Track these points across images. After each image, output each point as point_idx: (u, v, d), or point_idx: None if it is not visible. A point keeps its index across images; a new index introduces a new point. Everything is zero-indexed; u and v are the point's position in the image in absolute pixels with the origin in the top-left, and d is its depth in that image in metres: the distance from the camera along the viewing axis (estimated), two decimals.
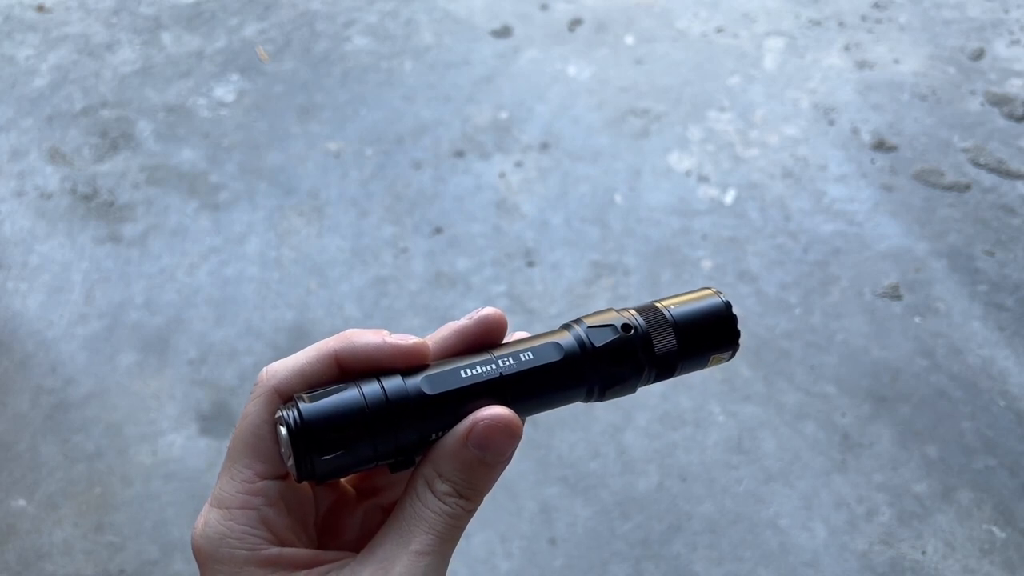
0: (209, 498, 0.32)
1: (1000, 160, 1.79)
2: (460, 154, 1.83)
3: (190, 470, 1.37)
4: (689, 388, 1.45)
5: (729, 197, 1.74)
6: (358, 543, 0.35)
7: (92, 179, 1.80)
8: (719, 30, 2.10)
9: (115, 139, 1.88)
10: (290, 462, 0.30)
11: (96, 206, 1.75)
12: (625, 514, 1.32)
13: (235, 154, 1.84)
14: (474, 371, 0.31)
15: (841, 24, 2.10)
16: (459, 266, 1.63)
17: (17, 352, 1.52)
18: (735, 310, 0.35)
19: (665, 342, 0.34)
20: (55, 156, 1.85)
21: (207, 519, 0.32)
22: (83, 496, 1.35)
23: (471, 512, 0.32)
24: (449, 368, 0.31)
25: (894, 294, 1.58)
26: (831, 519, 1.31)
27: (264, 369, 0.34)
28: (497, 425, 0.31)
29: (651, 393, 1.44)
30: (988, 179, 1.76)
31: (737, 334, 0.35)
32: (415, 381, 0.31)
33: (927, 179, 1.77)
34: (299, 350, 0.34)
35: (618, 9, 2.16)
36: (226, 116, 1.92)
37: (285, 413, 0.30)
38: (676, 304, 0.35)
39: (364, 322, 1.54)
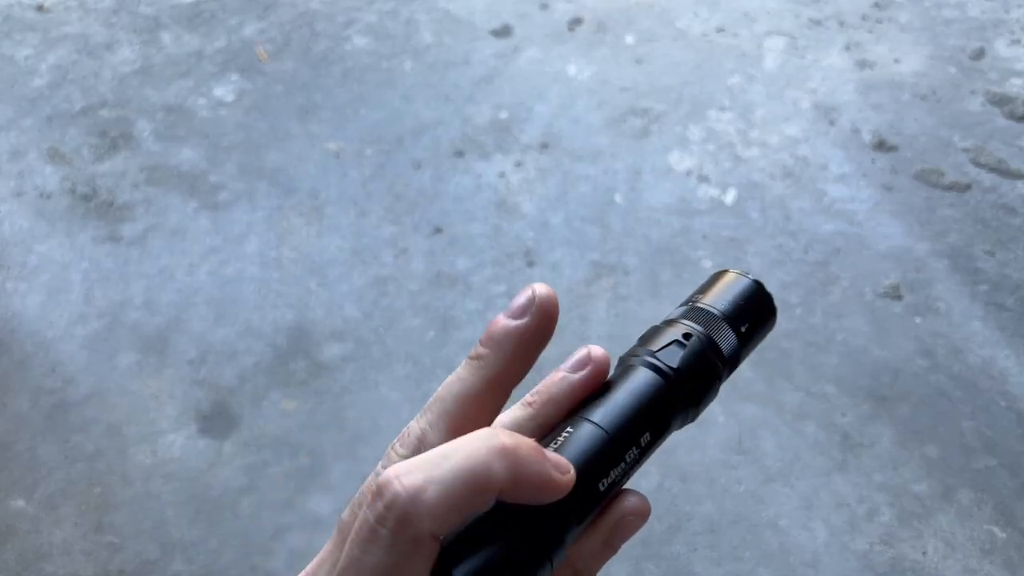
0: None
1: (1001, 160, 1.79)
2: (460, 154, 1.83)
3: (190, 470, 1.37)
4: None
5: (729, 197, 1.74)
6: None
7: (92, 179, 1.80)
8: (719, 30, 2.10)
9: (115, 139, 1.88)
10: None
11: (96, 206, 1.75)
12: None
13: (235, 154, 1.84)
14: (609, 480, 0.30)
15: (841, 24, 2.10)
16: (459, 266, 1.63)
17: (17, 352, 1.52)
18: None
19: (729, 344, 0.33)
20: (54, 156, 1.85)
21: None
22: (83, 496, 1.34)
23: None
24: (587, 485, 0.29)
25: (894, 294, 1.58)
26: (831, 519, 1.31)
27: (403, 492, 0.24)
28: (641, 517, 0.30)
29: None
30: (988, 179, 1.76)
31: (774, 305, 0.35)
32: (562, 511, 0.29)
33: (927, 179, 1.77)
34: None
35: (618, 9, 2.16)
36: (226, 116, 1.92)
37: None
38: (715, 298, 0.34)
39: (364, 322, 1.54)
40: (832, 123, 1.88)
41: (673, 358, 0.32)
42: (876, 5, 2.15)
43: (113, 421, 1.43)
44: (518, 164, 1.80)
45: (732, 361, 0.34)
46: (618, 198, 1.74)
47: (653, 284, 1.59)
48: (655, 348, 0.32)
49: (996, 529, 1.29)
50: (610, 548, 0.30)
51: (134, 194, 1.77)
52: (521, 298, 0.30)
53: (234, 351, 1.51)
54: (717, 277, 0.35)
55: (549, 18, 2.13)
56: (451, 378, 0.30)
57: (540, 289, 0.30)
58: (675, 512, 1.32)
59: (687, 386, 0.32)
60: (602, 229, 1.68)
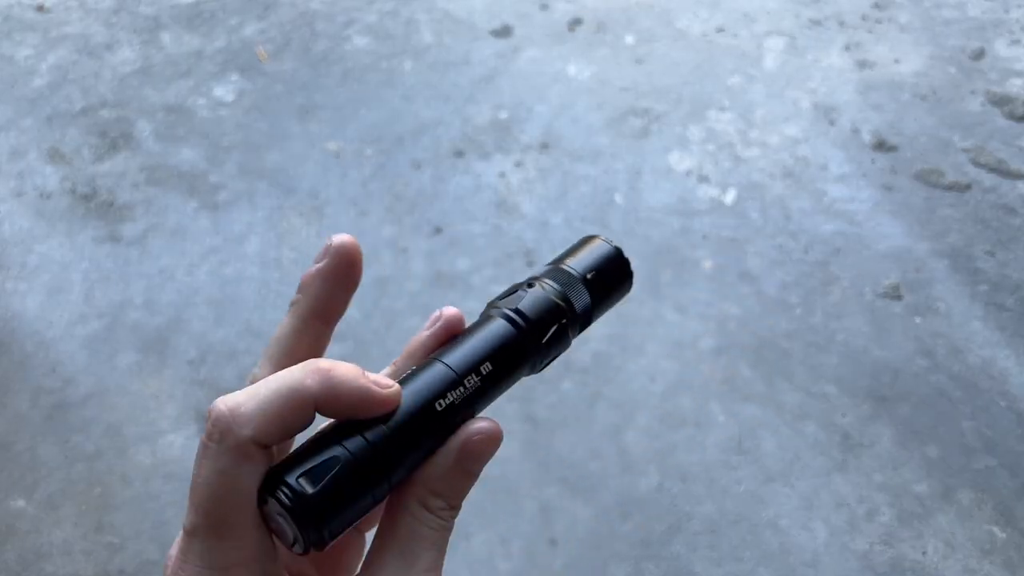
0: (193, 558, 0.29)
1: (1000, 160, 1.79)
2: (460, 154, 1.83)
3: (190, 470, 1.37)
4: (689, 388, 1.44)
5: (729, 197, 1.74)
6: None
7: (92, 179, 1.80)
8: (719, 30, 2.10)
9: (115, 139, 1.88)
10: (296, 546, 0.30)
11: (96, 206, 1.75)
12: (625, 514, 1.31)
13: (235, 154, 1.84)
14: (447, 400, 0.32)
15: (841, 24, 2.10)
16: (459, 266, 1.63)
17: (17, 352, 1.52)
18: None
19: (582, 301, 0.37)
20: (54, 156, 1.85)
21: None
22: (83, 496, 1.34)
23: (456, 518, 0.33)
24: (424, 405, 0.32)
25: (894, 294, 1.58)
26: (831, 519, 1.31)
27: (225, 408, 0.28)
28: (489, 439, 0.32)
29: (651, 393, 1.44)
30: (988, 179, 1.76)
31: (631, 273, 0.39)
32: (396, 425, 0.31)
33: (927, 179, 1.77)
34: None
35: (618, 9, 2.16)
36: (226, 116, 1.92)
37: (281, 498, 0.29)
38: (578, 261, 0.38)
39: (364, 322, 1.54)
40: (832, 123, 1.88)
41: (513, 302, 0.35)
42: (876, 5, 2.15)
43: (113, 421, 1.43)
44: (518, 164, 1.80)
45: (583, 316, 0.37)
46: (618, 198, 1.74)
47: (653, 284, 1.59)
48: (501, 298, 0.35)
49: (996, 529, 1.29)
50: (466, 473, 0.32)
51: (134, 194, 1.77)
52: (321, 248, 0.34)
53: (234, 351, 1.51)
54: (584, 242, 0.39)
55: (549, 18, 2.13)
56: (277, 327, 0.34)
57: (337, 237, 0.34)
58: (675, 512, 1.32)
59: (527, 326, 0.34)
60: (602, 229, 1.68)
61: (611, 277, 0.38)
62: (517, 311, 0.35)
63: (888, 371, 1.47)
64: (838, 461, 1.37)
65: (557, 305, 0.35)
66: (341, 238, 0.34)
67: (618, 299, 0.39)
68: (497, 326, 0.35)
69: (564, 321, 0.35)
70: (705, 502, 1.33)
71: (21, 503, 1.34)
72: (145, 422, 1.42)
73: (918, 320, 1.54)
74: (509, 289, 0.36)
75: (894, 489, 1.33)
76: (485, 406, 0.34)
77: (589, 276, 0.37)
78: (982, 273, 1.61)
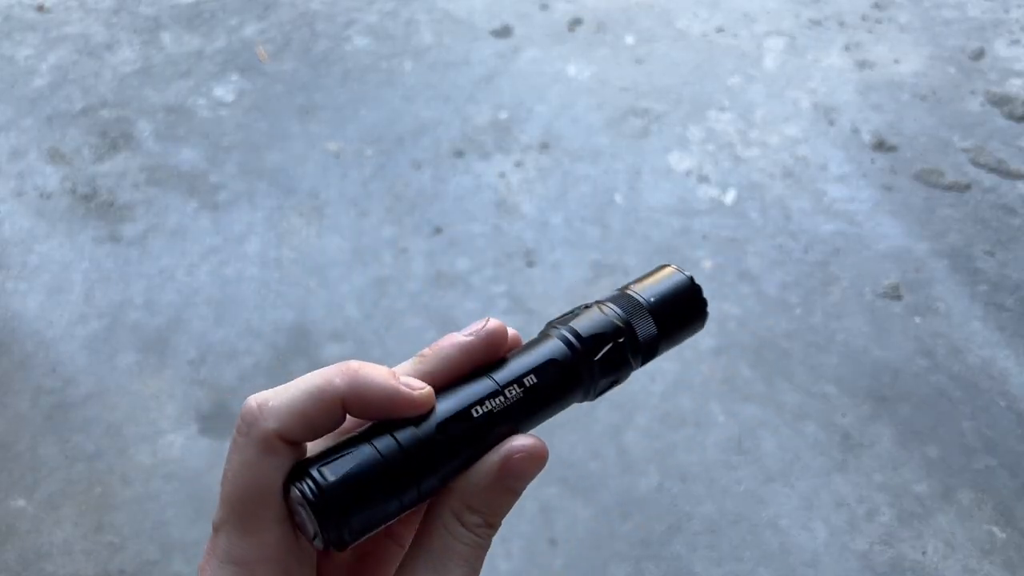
0: (218, 552, 0.29)
1: (1000, 160, 1.79)
2: (460, 154, 1.83)
3: (190, 470, 1.37)
4: (689, 388, 1.44)
5: (729, 197, 1.74)
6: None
7: (92, 179, 1.80)
8: (719, 30, 2.10)
9: (115, 139, 1.88)
10: (316, 540, 0.29)
11: (96, 206, 1.75)
12: (625, 514, 1.31)
13: (235, 154, 1.84)
14: (484, 408, 0.31)
15: (841, 24, 2.10)
16: (459, 266, 1.63)
17: (17, 352, 1.52)
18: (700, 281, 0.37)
19: (647, 330, 0.35)
20: (55, 156, 1.85)
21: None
22: (83, 496, 1.35)
23: (494, 536, 0.32)
24: (459, 410, 0.31)
25: (894, 294, 1.58)
26: (831, 519, 1.31)
27: (255, 403, 0.29)
28: (532, 456, 0.31)
29: (651, 393, 1.44)
30: (988, 179, 1.76)
31: (705, 306, 0.36)
32: (429, 428, 0.30)
33: (927, 179, 1.77)
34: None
35: (618, 9, 2.16)
36: (226, 116, 1.92)
37: (302, 487, 0.29)
38: (645, 288, 0.36)
39: (364, 323, 1.54)
40: (832, 123, 1.88)
41: (568, 321, 0.34)
42: (876, 5, 2.15)
43: (113, 421, 1.43)
44: (518, 164, 1.80)
45: (646, 345, 0.35)
46: (618, 198, 1.74)
47: None
48: (584, 332, 0.34)
49: (996, 529, 1.29)
50: (506, 491, 0.31)
51: (134, 194, 1.77)
52: (477, 324, 0.33)
53: (234, 351, 1.51)
54: (655, 270, 0.37)
55: (549, 18, 2.13)
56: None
57: (492, 322, 0.33)
58: (675, 512, 1.32)
59: (581, 346, 0.33)
60: (602, 229, 1.68)
61: (680, 308, 0.36)
62: (571, 329, 0.34)
63: (888, 371, 1.47)
64: (838, 461, 1.37)
65: (615, 327, 0.34)
66: (496, 324, 0.33)
67: (690, 333, 0.36)
68: (548, 343, 0.34)
69: (620, 341, 0.34)
70: (705, 502, 1.33)
71: (21, 503, 1.34)
72: (145, 422, 1.42)
73: (918, 320, 1.54)
74: (569, 310, 0.35)
75: (894, 489, 1.33)
76: (532, 425, 0.33)
77: (655, 303, 0.35)
78: (982, 273, 1.61)
